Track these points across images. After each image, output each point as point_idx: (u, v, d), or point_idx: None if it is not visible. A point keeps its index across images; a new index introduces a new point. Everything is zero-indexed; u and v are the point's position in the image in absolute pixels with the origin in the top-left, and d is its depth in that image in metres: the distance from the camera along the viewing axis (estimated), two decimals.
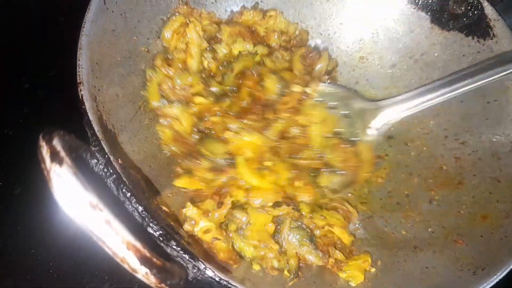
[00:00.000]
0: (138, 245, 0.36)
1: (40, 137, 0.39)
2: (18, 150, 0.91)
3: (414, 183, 0.82)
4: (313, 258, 0.65)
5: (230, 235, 0.62)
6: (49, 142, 0.37)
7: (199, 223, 0.58)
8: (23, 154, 0.91)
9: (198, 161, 0.69)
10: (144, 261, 0.36)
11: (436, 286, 0.61)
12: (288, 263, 0.63)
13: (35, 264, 0.80)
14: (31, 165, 0.86)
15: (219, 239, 0.60)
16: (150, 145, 0.70)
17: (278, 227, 0.65)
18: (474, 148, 0.81)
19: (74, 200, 0.35)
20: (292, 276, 0.62)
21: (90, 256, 0.80)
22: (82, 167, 0.38)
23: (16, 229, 0.84)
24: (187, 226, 0.58)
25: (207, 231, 0.59)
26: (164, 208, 0.57)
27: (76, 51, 0.87)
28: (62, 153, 0.37)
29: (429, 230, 0.74)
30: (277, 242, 0.64)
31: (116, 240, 0.35)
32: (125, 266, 0.36)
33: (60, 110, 0.95)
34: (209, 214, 0.61)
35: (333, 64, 0.95)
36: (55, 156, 0.36)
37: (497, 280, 0.58)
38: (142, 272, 0.36)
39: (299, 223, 0.66)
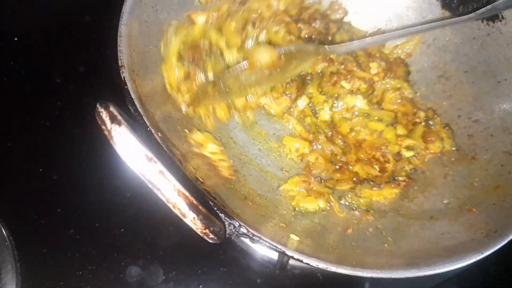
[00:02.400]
0: (187, 193, 0.42)
1: (98, 105, 0.44)
2: (56, 139, 0.98)
3: (429, 160, 0.86)
4: None
5: None
6: (106, 108, 0.43)
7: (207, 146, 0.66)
8: (60, 143, 0.98)
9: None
10: (192, 207, 0.42)
11: (451, 247, 0.65)
12: None
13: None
14: (67, 151, 0.94)
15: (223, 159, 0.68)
16: (181, 124, 0.76)
17: None
18: (486, 125, 0.84)
19: (133, 154, 0.41)
20: None
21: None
22: (136, 132, 0.44)
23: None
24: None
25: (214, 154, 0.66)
26: (199, 178, 0.63)
27: (102, 47, 0.95)
28: (119, 117, 0.43)
29: (445, 201, 0.78)
30: None
31: (169, 188, 0.41)
32: (176, 211, 0.42)
33: (91, 102, 1.02)
34: None
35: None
36: (114, 119, 0.42)
37: (508, 239, 0.62)
38: (190, 217, 0.42)
39: None
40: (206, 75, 0.75)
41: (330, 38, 0.92)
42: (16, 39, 1.11)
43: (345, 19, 1.00)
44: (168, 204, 0.42)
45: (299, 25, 0.88)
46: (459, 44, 0.91)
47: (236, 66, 0.76)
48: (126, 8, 0.68)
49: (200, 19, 0.80)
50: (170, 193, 0.41)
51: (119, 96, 0.65)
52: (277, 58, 0.78)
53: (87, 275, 0.83)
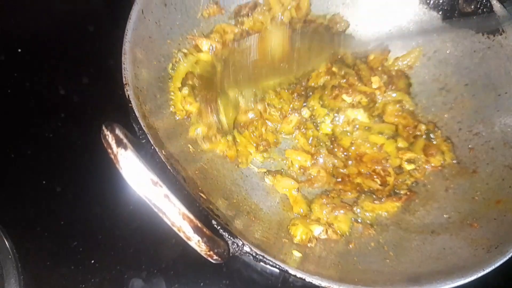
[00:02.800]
0: (192, 216, 0.42)
1: (104, 127, 0.45)
2: (59, 151, 0.99)
3: (430, 173, 0.87)
4: None
5: None
6: (112, 131, 0.44)
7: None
8: (63, 155, 0.98)
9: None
10: (197, 230, 0.42)
11: (452, 264, 0.65)
12: None
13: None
14: (71, 163, 0.95)
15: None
16: (185, 140, 0.77)
17: None
18: (487, 139, 0.85)
19: (139, 178, 0.41)
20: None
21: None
22: (140, 152, 0.45)
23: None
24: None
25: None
26: (202, 195, 0.63)
27: (105, 59, 0.95)
28: (125, 140, 0.43)
29: (446, 216, 0.79)
30: None
31: (174, 212, 0.41)
32: (181, 234, 0.42)
33: (95, 113, 1.03)
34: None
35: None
36: (119, 142, 0.43)
37: (509, 256, 0.62)
38: (195, 240, 0.42)
39: None
40: (218, 117, 0.77)
41: (333, 52, 0.93)
42: (19, 50, 1.11)
43: (347, 31, 1.00)
44: (173, 228, 0.42)
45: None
46: (459, 57, 0.92)
47: (246, 40, 0.76)
48: (131, 25, 0.69)
49: (205, 45, 0.81)
50: (175, 217, 0.42)
51: (122, 110, 0.65)
52: (289, 40, 0.79)
53: (90, 287, 0.84)
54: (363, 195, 0.82)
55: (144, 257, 0.88)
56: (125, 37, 0.67)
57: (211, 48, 0.83)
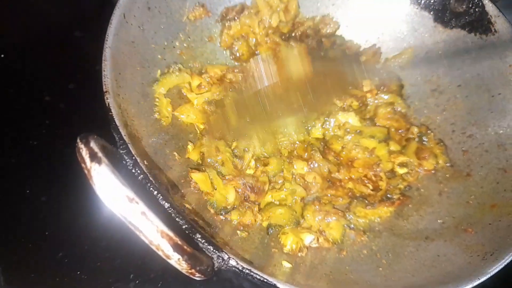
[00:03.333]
0: (171, 233, 0.40)
1: (78, 140, 0.43)
2: (43, 159, 0.96)
3: (423, 177, 0.85)
4: None
5: None
6: (87, 144, 0.42)
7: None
8: (48, 163, 0.96)
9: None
10: (177, 248, 0.40)
11: (447, 272, 0.63)
12: None
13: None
14: (56, 172, 0.92)
15: None
16: (170, 147, 0.74)
17: None
18: (481, 141, 0.83)
19: (114, 195, 0.39)
20: None
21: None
22: (116, 166, 0.42)
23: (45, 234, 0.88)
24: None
25: None
26: (187, 205, 0.61)
27: (92, 64, 0.93)
28: (100, 154, 0.41)
29: (440, 221, 0.77)
30: None
31: (151, 229, 0.39)
32: (160, 253, 0.40)
33: (81, 120, 1.00)
34: None
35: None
36: (93, 157, 0.41)
37: (505, 264, 0.61)
38: (175, 258, 0.40)
39: None
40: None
41: (322, 54, 0.91)
42: (2, 55, 1.08)
43: (338, 33, 0.98)
44: (151, 246, 0.40)
45: (291, 42, 0.86)
46: (452, 58, 0.90)
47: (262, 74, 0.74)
48: (111, 30, 0.67)
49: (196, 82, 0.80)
50: (153, 235, 0.39)
51: (106, 118, 0.63)
52: (309, 65, 0.77)
53: None
54: (355, 200, 0.80)
55: (131, 267, 0.86)
56: (105, 42, 0.65)
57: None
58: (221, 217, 0.70)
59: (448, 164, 0.84)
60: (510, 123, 0.81)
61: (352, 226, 0.78)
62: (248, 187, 0.71)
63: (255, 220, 0.72)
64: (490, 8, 0.85)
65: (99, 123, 0.75)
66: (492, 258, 0.62)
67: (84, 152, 0.41)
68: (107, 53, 0.64)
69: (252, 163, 0.77)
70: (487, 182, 0.78)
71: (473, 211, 0.75)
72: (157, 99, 0.76)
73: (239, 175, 0.73)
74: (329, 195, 0.81)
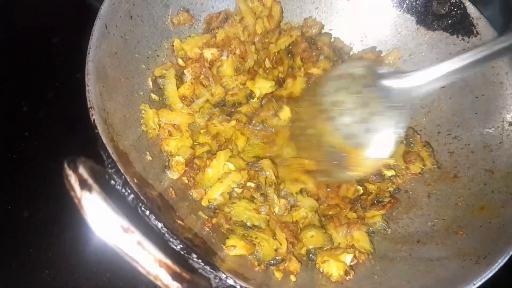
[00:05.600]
0: (169, 262, 0.39)
1: (65, 165, 0.41)
2: (25, 173, 0.93)
3: (411, 179, 0.86)
4: None
5: None
6: (75, 170, 0.40)
7: None
8: (30, 177, 0.92)
9: None
10: (175, 276, 0.39)
11: (442, 278, 0.64)
12: None
13: None
14: (40, 186, 0.89)
15: None
16: (159, 160, 0.72)
17: None
18: (467, 142, 0.84)
19: (107, 225, 0.37)
20: None
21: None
22: (107, 190, 0.41)
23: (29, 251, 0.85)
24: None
25: None
26: (179, 222, 0.59)
27: (70, 72, 0.90)
28: (90, 180, 0.39)
29: (430, 223, 0.77)
30: None
31: (149, 260, 0.38)
32: (158, 283, 0.39)
33: (62, 131, 0.97)
34: None
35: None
36: (84, 184, 0.39)
37: (498, 267, 0.61)
38: (174, 287, 0.39)
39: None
40: None
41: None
42: None
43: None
44: (149, 277, 0.39)
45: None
46: (435, 60, 0.91)
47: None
48: (93, 42, 0.64)
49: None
50: (151, 265, 0.38)
51: (88, 129, 0.60)
52: None
53: None
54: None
55: (122, 282, 0.84)
56: (87, 55, 0.62)
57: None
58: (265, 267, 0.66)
59: (435, 166, 0.85)
60: (495, 124, 0.82)
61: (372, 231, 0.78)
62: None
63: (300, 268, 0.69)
64: (471, 10, 0.86)
65: (82, 134, 0.72)
66: (486, 262, 0.63)
67: (73, 180, 0.39)
68: (90, 66, 0.61)
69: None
70: (474, 183, 0.79)
71: (463, 213, 0.76)
72: (143, 111, 0.74)
73: (277, 220, 0.71)
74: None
